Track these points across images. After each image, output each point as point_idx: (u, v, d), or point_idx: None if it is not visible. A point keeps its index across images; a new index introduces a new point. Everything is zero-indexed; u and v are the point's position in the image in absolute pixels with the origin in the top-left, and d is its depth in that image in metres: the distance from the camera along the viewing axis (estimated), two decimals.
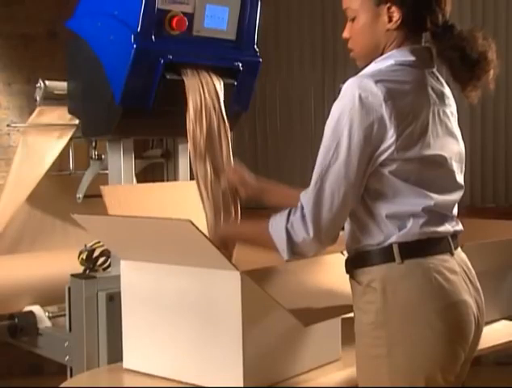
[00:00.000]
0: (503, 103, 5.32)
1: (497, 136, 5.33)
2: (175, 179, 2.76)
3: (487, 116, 5.29)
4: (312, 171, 1.85)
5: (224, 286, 2.05)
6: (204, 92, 2.39)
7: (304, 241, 1.84)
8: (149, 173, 2.95)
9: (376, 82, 1.79)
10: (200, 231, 1.93)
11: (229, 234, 2.26)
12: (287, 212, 1.87)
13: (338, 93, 1.84)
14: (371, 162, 1.82)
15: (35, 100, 2.75)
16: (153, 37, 2.35)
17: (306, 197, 1.84)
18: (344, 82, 1.84)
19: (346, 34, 1.97)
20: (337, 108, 1.82)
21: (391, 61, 1.89)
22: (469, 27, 1.91)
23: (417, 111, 1.84)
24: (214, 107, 2.40)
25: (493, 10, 5.34)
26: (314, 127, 5.73)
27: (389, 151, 1.81)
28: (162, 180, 2.80)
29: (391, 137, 1.80)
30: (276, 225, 1.88)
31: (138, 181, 2.88)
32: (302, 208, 1.83)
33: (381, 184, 1.84)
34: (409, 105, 1.82)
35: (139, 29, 2.32)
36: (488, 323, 2.27)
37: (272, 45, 5.64)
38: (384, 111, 1.78)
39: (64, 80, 2.69)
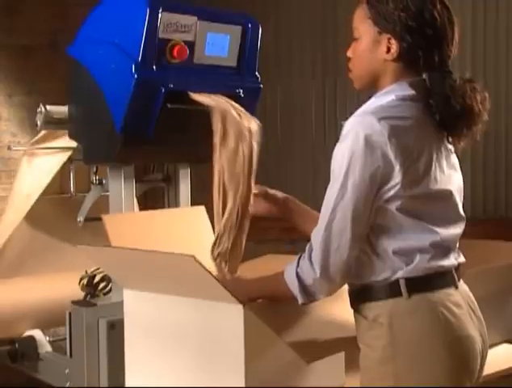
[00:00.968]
0: (503, 112, 5.33)
1: (498, 147, 5.34)
2: (176, 203, 2.75)
3: (488, 127, 5.29)
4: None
5: (227, 319, 2.04)
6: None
7: (314, 282, 1.85)
8: (150, 196, 2.94)
9: (379, 119, 1.79)
10: (203, 267, 1.93)
11: (248, 294, 2.10)
12: (298, 257, 1.89)
13: (340, 130, 1.84)
14: (377, 199, 1.82)
15: (36, 125, 2.74)
16: (153, 66, 2.34)
17: (314, 237, 1.85)
18: (345, 120, 1.84)
19: (349, 53, 1.99)
20: (341, 149, 1.82)
21: (391, 97, 1.88)
22: (468, 76, 1.91)
23: (421, 147, 1.83)
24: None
25: (494, 17, 5.34)
26: (315, 136, 5.74)
27: (396, 188, 1.80)
28: (163, 204, 2.80)
29: (397, 174, 1.79)
30: (288, 272, 1.89)
31: (139, 204, 2.88)
32: (311, 249, 1.85)
33: (387, 220, 1.85)
34: (413, 141, 1.82)
35: (140, 59, 2.31)
36: (489, 347, 2.27)
37: (273, 52, 5.64)
38: (389, 149, 1.78)
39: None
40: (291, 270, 1.88)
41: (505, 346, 2.83)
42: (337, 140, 1.85)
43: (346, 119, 1.84)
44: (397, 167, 1.79)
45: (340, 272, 1.84)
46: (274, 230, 5.25)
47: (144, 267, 2.11)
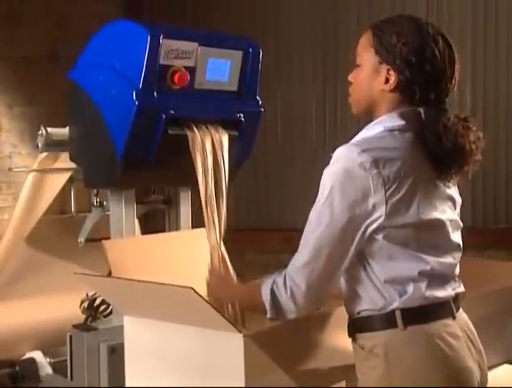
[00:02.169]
0: (503, 121, 5.33)
1: (497, 157, 5.33)
2: (177, 225, 2.75)
3: (488, 137, 5.30)
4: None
5: (227, 348, 2.04)
6: (206, 147, 2.39)
7: (283, 301, 1.89)
8: (151, 216, 2.95)
9: (363, 151, 1.81)
10: (203, 298, 1.93)
11: (229, 297, 2.29)
12: (277, 273, 1.93)
13: (329, 161, 1.86)
14: (361, 232, 1.83)
15: (37, 146, 2.75)
16: (154, 93, 2.35)
17: (293, 259, 1.90)
18: (334, 151, 1.86)
19: (350, 77, 2.00)
20: (325, 176, 1.85)
21: (380, 128, 1.90)
22: (463, 115, 1.90)
23: (405, 177, 1.83)
24: (218, 162, 2.41)
25: (494, 30, 5.36)
26: (316, 141, 5.73)
27: (379, 219, 1.81)
28: (164, 226, 2.80)
29: (378, 205, 1.81)
30: (265, 286, 1.94)
31: (140, 223, 2.88)
32: (288, 270, 1.90)
33: (377, 250, 1.85)
34: (396, 172, 1.82)
35: (141, 86, 2.31)
36: (490, 368, 2.26)
37: (272, 59, 5.64)
38: (370, 180, 1.79)
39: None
40: (267, 285, 1.93)
41: (505, 367, 2.83)
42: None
43: (335, 150, 1.87)
44: (378, 198, 1.80)
45: (307, 296, 1.88)
46: (276, 241, 5.26)
47: (143, 297, 2.11)
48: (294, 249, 1.96)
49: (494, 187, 5.34)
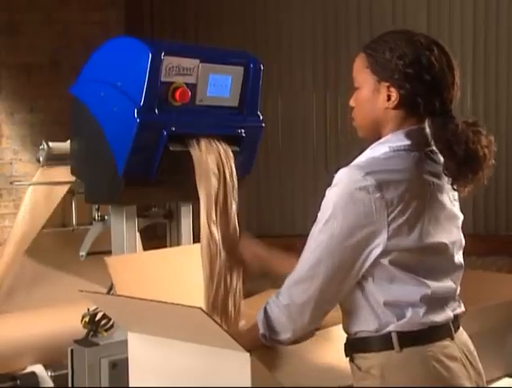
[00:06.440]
0: (504, 130, 5.34)
1: (498, 164, 5.33)
2: (178, 239, 2.75)
3: None
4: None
5: (234, 367, 2.04)
6: (209, 162, 2.39)
7: (276, 318, 1.89)
8: (152, 230, 2.94)
9: (366, 174, 1.79)
10: (211, 318, 1.93)
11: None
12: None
13: (331, 182, 1.86)
14: (364, 256, 1.82)
15: (38, 161, 2.75)
16: (156, 110, 2.35)
17: (288, 277, 1.89)
18: (336, 172, 1.85)
19: (351, 102, 1.98)
20: (327, 198, 1.84)
21: (385, 148, 1.88)
22: (471, 120, 1.88)
23: (410, 200, 1.82)
24: (224, 177, 2.40)
25: (495, 33, 5.35)
26: (316, 146, 5.74)
27: (382, 242, 1.80)
28: (165, 240, 2.80)
29: (382, 229, 1.79)
30: (260, 310, 1.94)
31: (141, 238, 2.89)
32: (280, 290, 1.90)
33: (379, 272, 1.84)
34: (400, 195, 1.80)
35: (142, 103, 2.31)
36: (491, 381, 2.26)
37: (274, 64, 5.65)
38: (373, 204, 1.78)
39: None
40: (262, 307, 1.93)
41: (506, 380, 2.83)
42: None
43: (337, 171, 1.86)
44: (382, 222, 1.79)
45: (302, 313, 1.86)
46: (277, 247, 5.25)
47: (149, 315, 2.11)
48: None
49: (495, 194, 5.35)
